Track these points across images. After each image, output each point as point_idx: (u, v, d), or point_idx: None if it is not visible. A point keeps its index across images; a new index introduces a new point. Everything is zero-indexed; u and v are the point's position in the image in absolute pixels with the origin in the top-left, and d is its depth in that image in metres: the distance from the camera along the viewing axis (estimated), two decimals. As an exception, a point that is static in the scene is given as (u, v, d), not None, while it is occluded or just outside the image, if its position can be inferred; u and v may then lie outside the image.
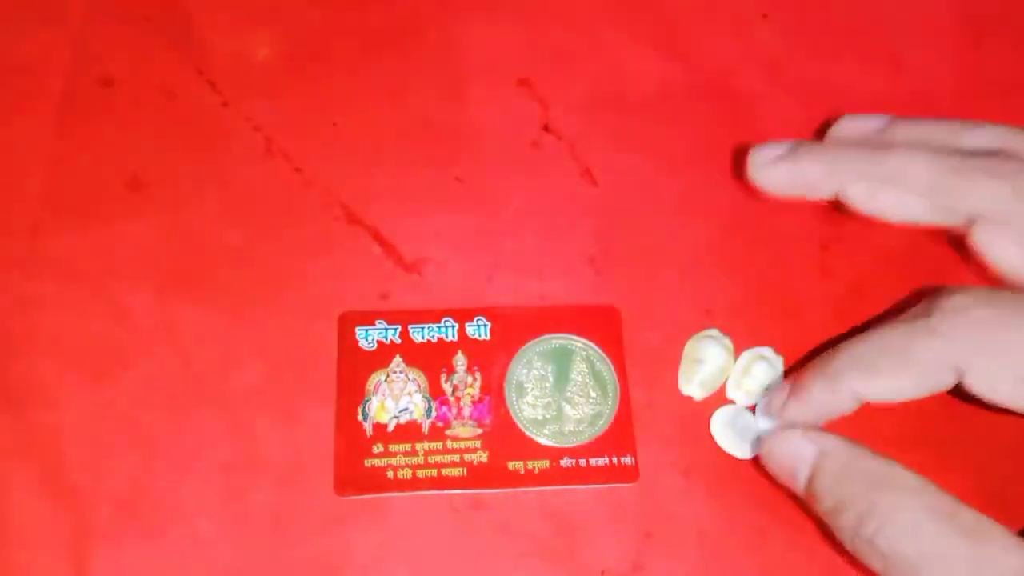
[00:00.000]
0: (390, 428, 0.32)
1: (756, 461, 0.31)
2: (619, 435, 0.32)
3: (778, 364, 0.32)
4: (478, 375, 0.32)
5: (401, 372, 0.32)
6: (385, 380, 0.32)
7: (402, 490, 0.31)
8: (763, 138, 0.37)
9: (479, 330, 0.33)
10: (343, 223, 0.35)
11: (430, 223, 0.35)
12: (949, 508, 0.25)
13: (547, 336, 0.33)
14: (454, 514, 0.31)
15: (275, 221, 0.35)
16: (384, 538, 0.30)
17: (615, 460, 0.31)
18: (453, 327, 0.33)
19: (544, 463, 0.31)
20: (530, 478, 0.31)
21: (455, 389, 0.32)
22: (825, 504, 0.27)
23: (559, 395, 0.32)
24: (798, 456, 0.28)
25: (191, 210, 0.35)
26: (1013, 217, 0.27)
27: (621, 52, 0.39)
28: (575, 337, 0.33)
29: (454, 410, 0.32)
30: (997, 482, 0.31)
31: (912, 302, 0.29)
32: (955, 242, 0.32)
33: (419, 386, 0.32)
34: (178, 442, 0.31)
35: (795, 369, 0.31)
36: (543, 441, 0.32)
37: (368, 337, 0.33)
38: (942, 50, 0.40)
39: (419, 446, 0.31)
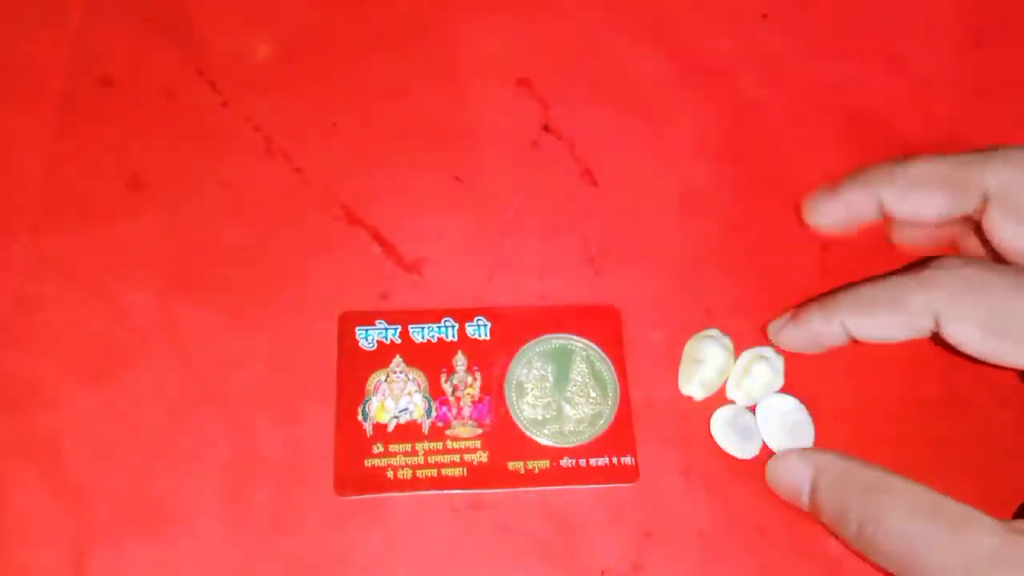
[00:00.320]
0: (390, 428, 0.32)
1: (755, 461, 0.31)
2: (619, 435, 0.32)
3: (778, 364, 0.32)
4: (478, 375, 0.32)
5: (401, 372, 0.32)
6: (385, 380, 0.32)
7: (402, 490, 0.31)
8: (763, 137, 0.37)
9: (479, 330, 0.33)
10: (343, 223, 0.35)
11: (430, 223, 0.35)
12: (933, 503, 0.27)
13: (547, 336, 0.33)
14: (454, 514, 0.31)
15: (275, 221, 0.35)
16: (384, 538, 0.30)
17: (615, 460, 0.31)
18: (453, 327, 0.33)
19: (544, 463, 0.31)
20: (530, 478, 0.31)
21: (455, 389, 0.32)
22: (828, 515, 0.29)
23: (559, 395, 0.32)
24: (798, 476, 0.30)
25: (191, 210, 0.35)
26: (1020, 201, 0.29)
27: (621, 52, 0.39)
28: (575, 337, 0.33)
29: (454, 410, 0.32)
30: (997, 482, 0.31)
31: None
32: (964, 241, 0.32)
33: (419, 386, 0.32)
34: (178, 442, 0.31)
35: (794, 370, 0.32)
36: (543, 441, 0.32)
37: (368, 337, 0.33)
38: (942, 50, 0.40)
39: (419, 446, 0.31)
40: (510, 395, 0.32)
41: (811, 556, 0.30)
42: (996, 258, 0.31)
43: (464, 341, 0.33)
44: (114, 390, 0.32)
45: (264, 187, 0.35)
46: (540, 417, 0.32)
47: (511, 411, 0.32)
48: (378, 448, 0.31)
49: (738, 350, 0.33)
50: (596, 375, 0.33)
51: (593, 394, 0.32)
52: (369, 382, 0.32)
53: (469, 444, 0.31)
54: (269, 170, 0.36)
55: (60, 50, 0.37)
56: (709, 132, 0.37)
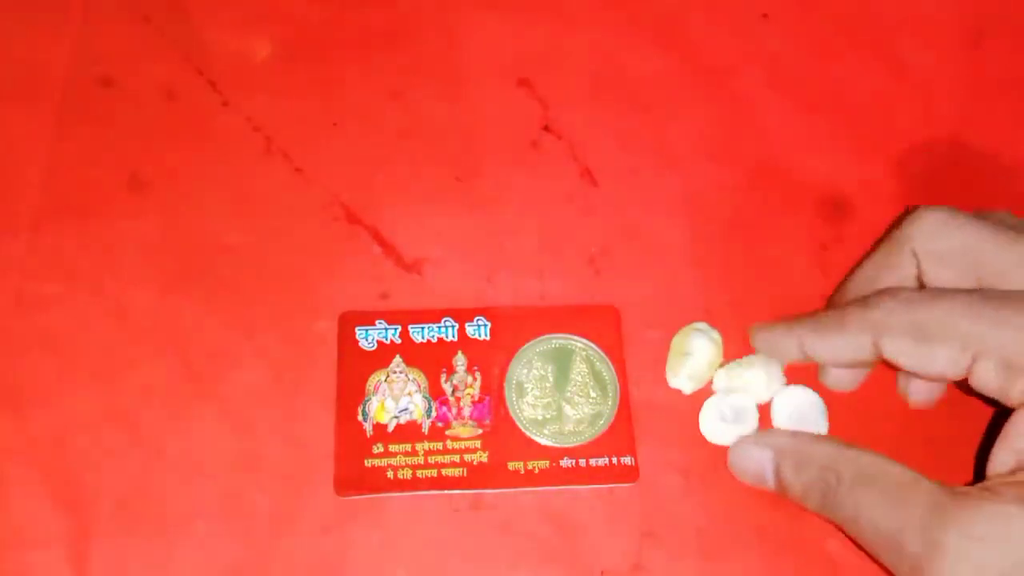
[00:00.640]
0: (390, 428, 0.32)
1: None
2: (619, 435, 0.32)
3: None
4: (478, 375, 0.32)
5: (401, 372, 0.32)
6: (385, 380, 0.32)
7: (402, 490, 0.31)
8: (762, 137, 0.37)
9: (479, 330, 0.33)
10: (343, 223, 0.35)
11: (430, 223, 0.35)
12: (880, 470, 0.28)
13: (547, 336, 0.33)
14: (454, 514, 0.31)
15: (275, 221, 0.35)
16: (384, 538, 0.30)
17: (615, 460, 0.31)
18: (453, 327, 0.33)
19: (544, 463, 0.31)
20: (530, 478, 0.31)
21: (455, 389, 0.32)
22: (794, 492, 0.30)
23: (559, 395, 0.32)
24: (758, 462, 0.30)
25: (191, 210, 0.35)
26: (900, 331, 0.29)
27: (621, 52, 0.39)
28: (575, 337, 0.33)
29: (454, 410, 0.32)
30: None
31: None
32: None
33: (419, 386, 0.32)
34: (178, 442, 0.31)
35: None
36: (543, 441, 0.32)
37: (368, 337, 0.33)
38: (942, 50, 0.40)
39: (419, 446, 0.31)
40: (510, 395, 0.32)
41: (810, 556, 0.30)
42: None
43: (464, 341, 0.33)
44: (114, 390, 0.32)
45: (264, 187, 0.35)
46: (540, 417, 0.32)
47: (511, 411, 0.32)
48: (378, 448, 0.31)
49: (739, 351, 0.33)
50: (596, 375, 0.33)
51: (593, 394, 0.32)
52: (369, 382, 0.32)
53: (469, 444, 0.31)
54: (269, 170, 0.36)
55: (60, 50, 0.37)
56: (709, 132, 0.37)
